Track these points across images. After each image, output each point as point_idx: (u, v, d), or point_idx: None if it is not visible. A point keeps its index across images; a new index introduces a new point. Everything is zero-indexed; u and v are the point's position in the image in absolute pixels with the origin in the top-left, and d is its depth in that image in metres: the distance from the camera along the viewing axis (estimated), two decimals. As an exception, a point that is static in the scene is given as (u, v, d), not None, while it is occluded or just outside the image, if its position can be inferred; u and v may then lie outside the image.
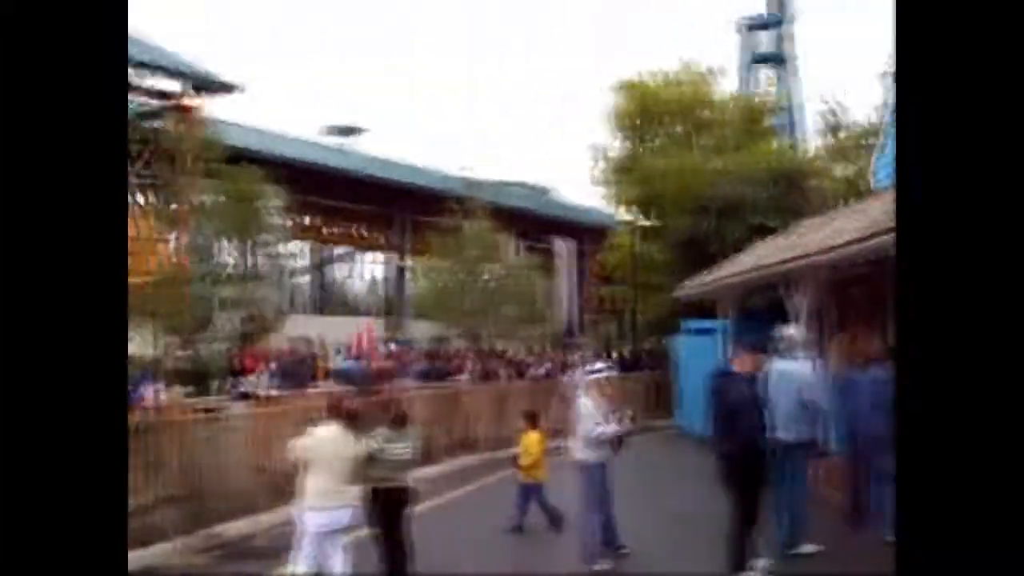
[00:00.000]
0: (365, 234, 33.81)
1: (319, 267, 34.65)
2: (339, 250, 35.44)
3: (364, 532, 7.46)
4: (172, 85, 18.57)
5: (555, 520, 9.62)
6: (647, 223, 25.58)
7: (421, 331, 26.43)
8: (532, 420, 10.31)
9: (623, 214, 26.34)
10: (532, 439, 9.98)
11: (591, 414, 8.13)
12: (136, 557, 8.47)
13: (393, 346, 22.21)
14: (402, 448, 7.42)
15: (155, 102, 18.78)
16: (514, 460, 10.22)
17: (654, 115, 27.76)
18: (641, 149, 28.27)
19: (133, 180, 12.61)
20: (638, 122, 28.18)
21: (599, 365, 8.55)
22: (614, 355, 25.87)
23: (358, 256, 35.80)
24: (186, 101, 17.38)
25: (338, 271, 36.48)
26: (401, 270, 31.81)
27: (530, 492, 9.76)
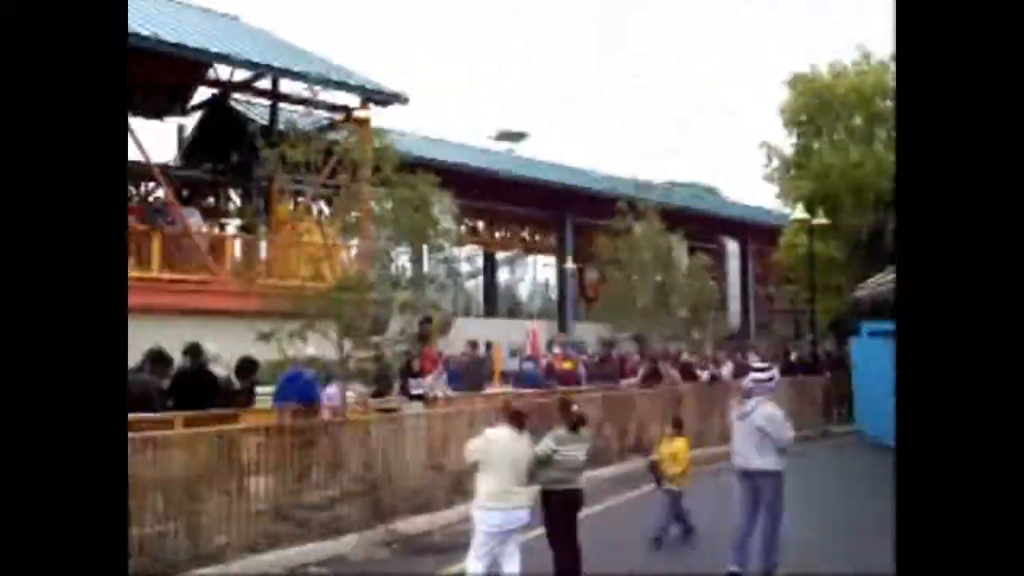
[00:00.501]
0: (537, 238, 34.17)
1: (489, 271, 35.25)
2: (508, 254, 35.95)
3: (537, 533, 7.54)
4: (347, 98, 19.50)
5: (688, 530, 9.54)
6: (823, 221, 24.60)
7: (590, 333, 26.46)
8: (679, 426, 10.13)
9: (797, 212, 25.44)
10: (679, 446, 9.79)
11: (773, 420, 7.89)
12: (323, 547, 8.93)
13: (558, 349, 22.34)
14: (577, 450, 7.44)
15: (335, 115, 19.78)
16: (652, 467, 10.01)
17: (830, 108, 26.71)
18: (816, 144, 27.27)
19: (318, 191, 13.28)
20: (811, 117, 27.20)
21: (773, 371, 8.28)
22: (792, 357, 25.02)
23: (528, 259, 36.17)
24: (361, 113, 18.17)
25: (508, 275, 37.00)
26: (572, 272, 31.92)
27: (674, 499, 9.57)
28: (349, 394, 10.48)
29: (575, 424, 7.52)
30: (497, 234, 33.41)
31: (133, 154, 18.54)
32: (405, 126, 24.12)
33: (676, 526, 9.55)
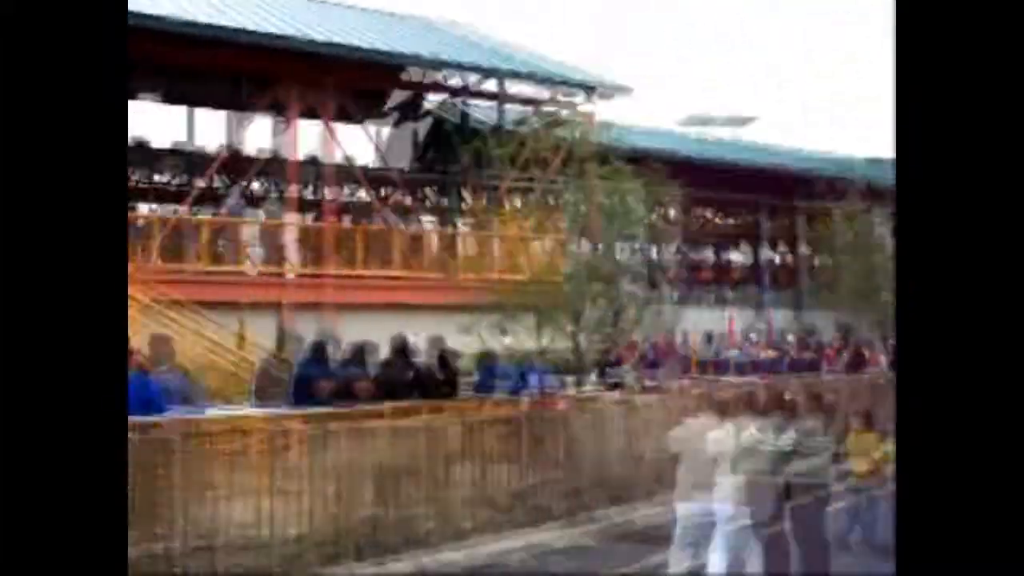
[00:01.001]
0: (761, 224, 33.17)
1: (693, 259, 34.60)
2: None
3: (745, 525, 7.34)
4: (556, 93, 19.71)
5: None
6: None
7: (817, 321, 25.56)
8: (867, 419, 9.40)
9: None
10: (869, 441, 9.01)
11: None
12: (528, 534, 9.07)
13: (756, 337, 21.67)
14: (783, 441, 7.18)
15: (557, 111, 20.03)
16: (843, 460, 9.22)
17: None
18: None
19: (509, 184, 13.55)
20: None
21: None
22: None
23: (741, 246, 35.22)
24: (583, 108, 18.33)
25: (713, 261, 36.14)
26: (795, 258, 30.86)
27: (863, 498, 8.89)
28: (548, 384, 10.60)
29: (784, 413, 7.25)
30: (709, 222, 32.80)
31: (338, 158, 19.59)
32: (625, 118, 24.10)
33: (861, 528, 8.92)
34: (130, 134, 20.65)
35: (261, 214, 18.21)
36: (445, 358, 10.29)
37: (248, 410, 9.19)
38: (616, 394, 11.80)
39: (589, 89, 19.44)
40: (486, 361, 10.48)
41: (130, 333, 9.00)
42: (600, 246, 11.70)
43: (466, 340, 9.92)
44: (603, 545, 9.26)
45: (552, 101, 19.05)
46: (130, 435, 7.25)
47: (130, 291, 13.32)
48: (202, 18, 15.82)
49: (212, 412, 9.14)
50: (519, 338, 10.24)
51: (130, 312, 12.86)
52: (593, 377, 12.78)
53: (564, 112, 17.60)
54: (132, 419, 7.50)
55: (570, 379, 11.77)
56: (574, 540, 9.27)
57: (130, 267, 14.36)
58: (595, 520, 9.77)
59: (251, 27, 16.10)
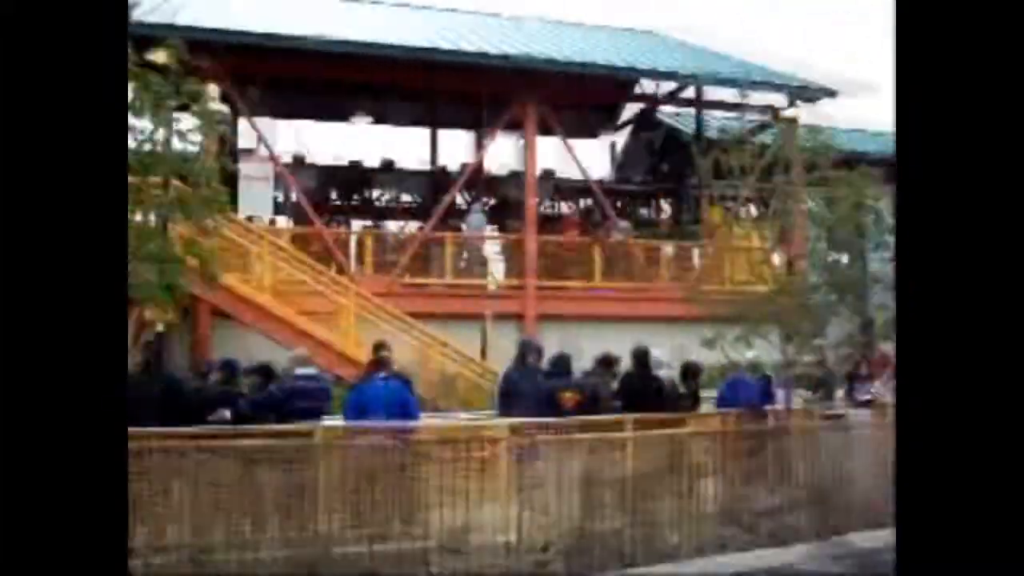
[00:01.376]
0: None
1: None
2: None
3: None
4: (774, 98, 19.19)
5: None
6: None
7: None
8: None
9: None
10: None
11: None
12: (772, 554, 8.83)
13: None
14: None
15: (764, 116, 19.57)
16: None
17: None
18: None
19: (751, 194, 13.18)
20: None
21: None
22: None
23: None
24: (789, 112, 17.76)
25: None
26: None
27: None
28: (794, 399, 10.28)
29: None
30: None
31: (572, 172, 19.94)
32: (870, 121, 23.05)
33: None
34: (380, 156, 22.08)
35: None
36: (687, 371, 10.23)
37: (492, 419, 9.53)
38: (867, 411, 11.25)
39: (830, 93, 18.82)
40: (729, 375, 10.33)
41: (387, 340, 9.63)
42: (847, 255, 11.22)
43: (708, 353, 9.78)
44: (856, 572, 8.83)
45: (790, 107, 18.51)
46: (387, 440, 7.83)
47: (385, 304, 14.26)
48: (444, 44, 16.66)
49: (460, 419, 9.60)
50: (763, 351, 9.98)
51: (382, 323, 13.74)
52: (842, 392, 12.27)
53: (802, 117, 17.05)
54: (389, 423, 8.06)
55: (817, 394, 11.36)
56: (824, 564, 8.91)
57: (383, 282, 15.39)
58: (846, 544, 9.34)
59: (491, 51, 16.76)
